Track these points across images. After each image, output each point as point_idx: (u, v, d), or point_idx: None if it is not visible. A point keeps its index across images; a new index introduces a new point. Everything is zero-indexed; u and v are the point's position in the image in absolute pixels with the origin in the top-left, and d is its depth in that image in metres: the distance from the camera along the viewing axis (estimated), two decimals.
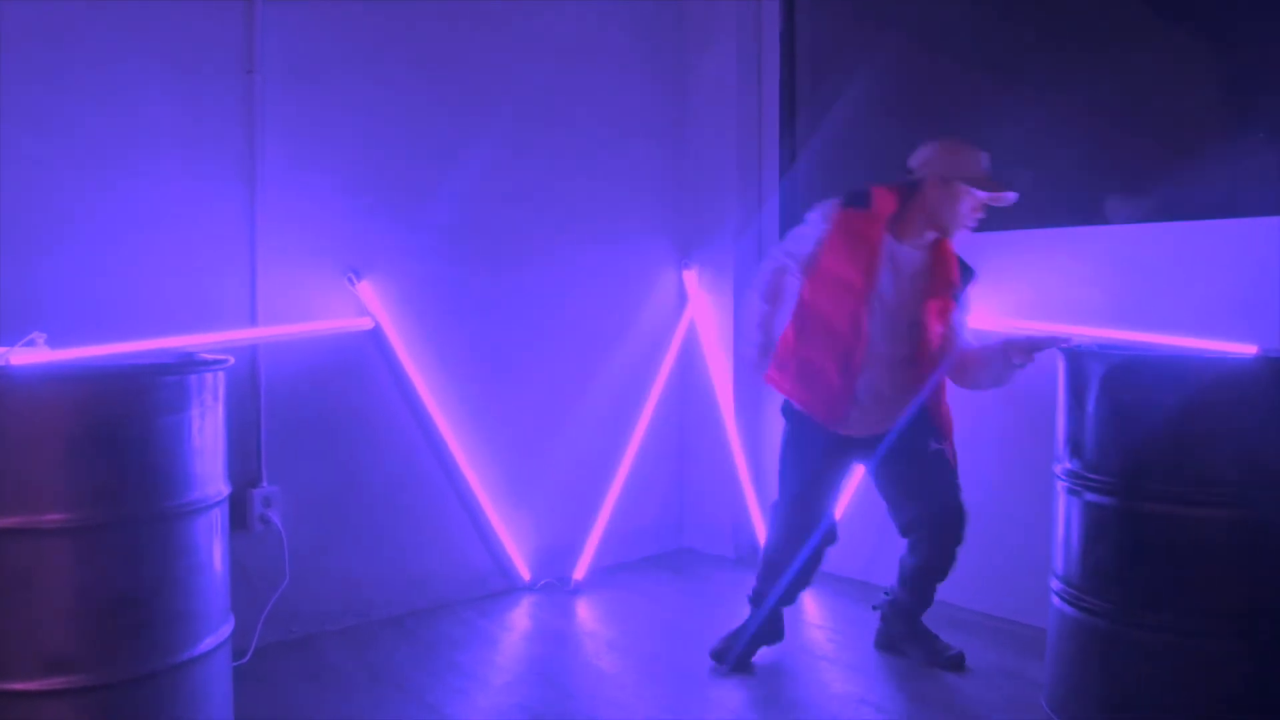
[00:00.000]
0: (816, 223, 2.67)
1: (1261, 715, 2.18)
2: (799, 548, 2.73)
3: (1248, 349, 2.20)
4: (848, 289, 2.59)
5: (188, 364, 2.02)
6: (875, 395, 2.65)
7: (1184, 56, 2.94)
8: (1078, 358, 2.33)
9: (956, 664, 2.74)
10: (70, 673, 1.83)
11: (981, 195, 2.58)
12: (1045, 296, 3.00)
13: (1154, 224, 2.83)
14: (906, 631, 2.85)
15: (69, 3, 2.49)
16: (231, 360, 2.11)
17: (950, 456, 2.73)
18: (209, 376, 2.02)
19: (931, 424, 2.71)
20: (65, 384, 1.86)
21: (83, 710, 1.85)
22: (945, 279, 2.63)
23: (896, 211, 2.62)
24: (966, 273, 2.70)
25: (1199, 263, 2.72)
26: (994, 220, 3.15)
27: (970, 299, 2.75)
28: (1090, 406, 2.27)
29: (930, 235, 2.63)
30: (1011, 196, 2.58)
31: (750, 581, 2.87)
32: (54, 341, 2.18)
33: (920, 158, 2.64)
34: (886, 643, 2.90)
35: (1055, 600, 2.41)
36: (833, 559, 3.52)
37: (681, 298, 3.90)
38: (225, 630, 2.10)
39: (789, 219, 3.84)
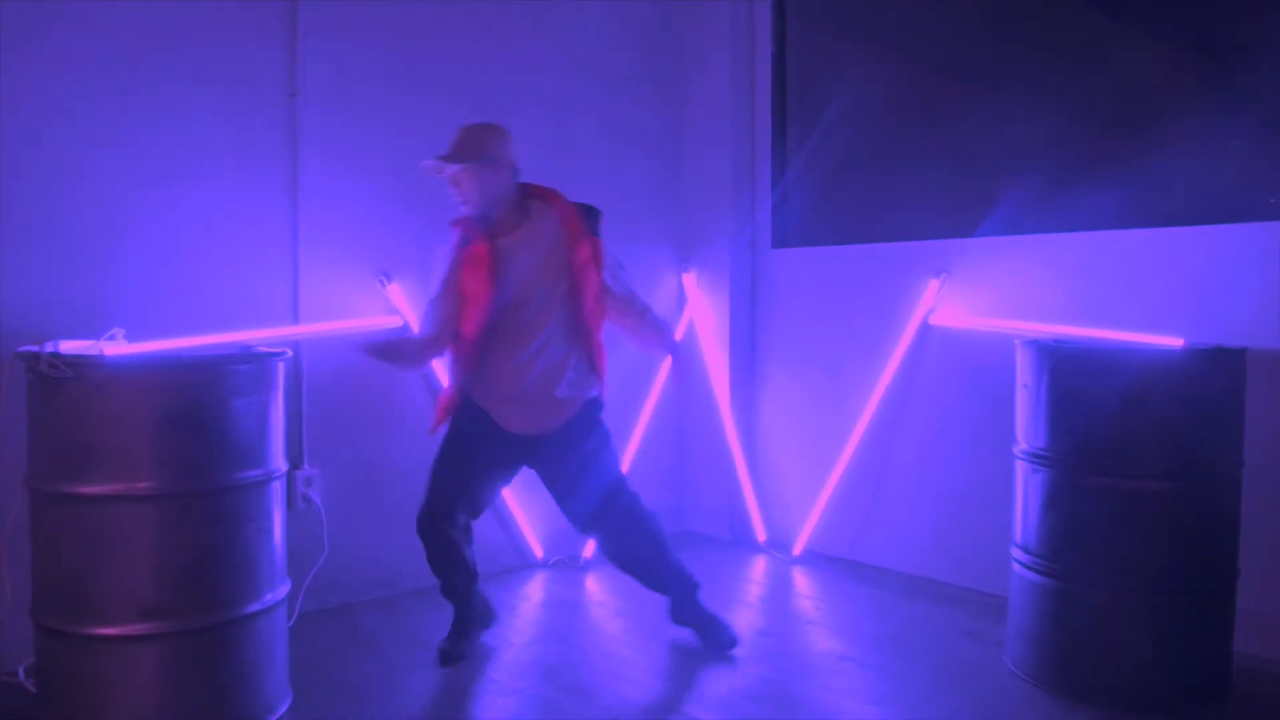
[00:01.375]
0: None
1: (1193, 668, 2.48)
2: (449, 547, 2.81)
3: (1175, 341, 2.50)
4: (474, 302, 2.65)
5: (256, 355, 2.30)
6: (528, 394, 2.72)
7: (1143, 75, 3.22)
8: (1033, 350, 2.62)
9: (729, 644, 2.81)
10: (159, 619, 2.10)
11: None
12: (1011, 297, 3.28)
13: (1110, 231, 3.08)
14: (688, 617, 2.89)
15: (133, 35, 2.77)
16: (290, 353, 2.41)
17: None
18: (272, 366, 2.31)
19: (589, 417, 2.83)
20: (153, 371, 2.14)
21: (170, 651, 2.13)
22: (566, 257, 2.73)
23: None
24: (589, 223, 2.79)
25: (1146, 266, 2.98)
26: (967, 227, 3.45)
27: (606, 255, 2.82)
28: (1044, 393, 2.56)
29: (516, 222, 2.74)
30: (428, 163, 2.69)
31: (741, 559, 3.11)
32: (128, 336, 2.47)
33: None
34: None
35: (1015, 566, 2.69)
36: (822, 538, 3.84)
37: (681, 299, 4.16)
38: (284, 589, 2.38)
39: (780, 225, 4.10)
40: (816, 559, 3.80)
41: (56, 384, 2.08)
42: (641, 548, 2.83)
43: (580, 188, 3.84)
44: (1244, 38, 2.96)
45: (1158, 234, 2.98)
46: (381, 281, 3.27)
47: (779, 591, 3.47)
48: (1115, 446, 2.45)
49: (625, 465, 3.86)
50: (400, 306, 3.29)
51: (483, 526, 3.55)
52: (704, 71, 4.14)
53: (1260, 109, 2.89)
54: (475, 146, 2.69)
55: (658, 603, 3.26)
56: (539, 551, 3.69)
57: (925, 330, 3.52)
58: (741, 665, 2.76)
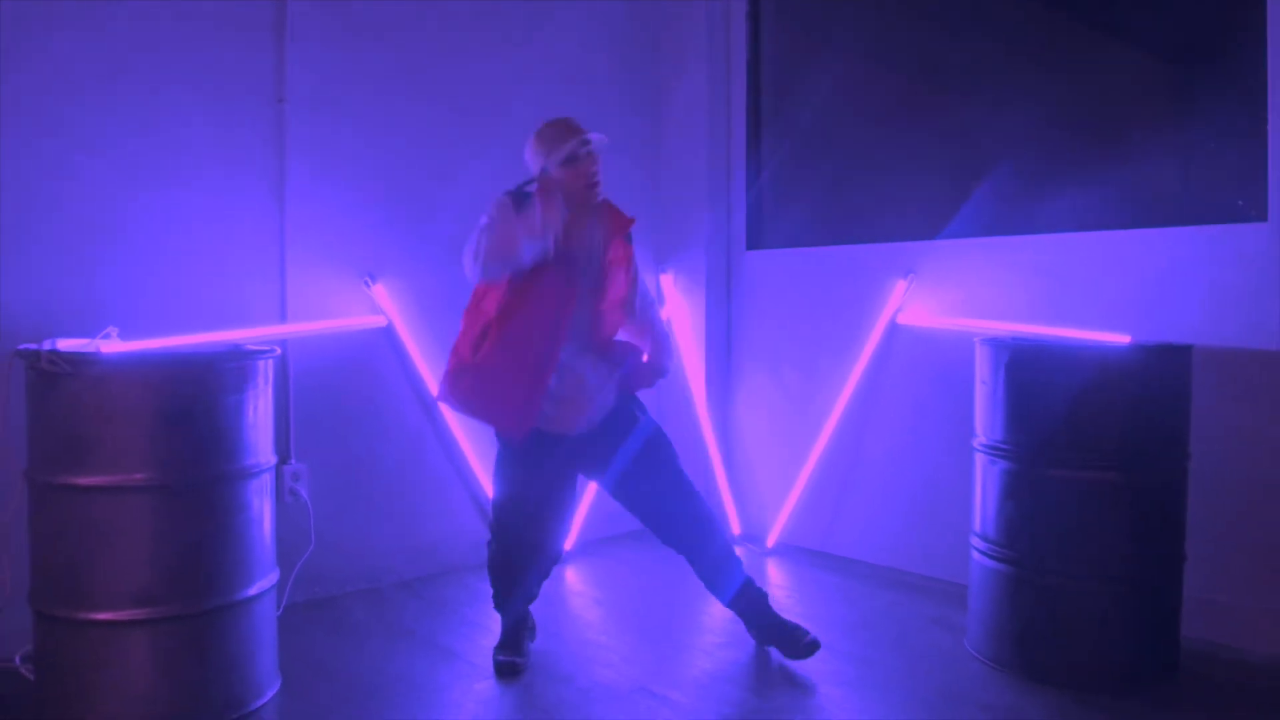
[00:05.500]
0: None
1: (1143, 650, 2.59)
2: (519, 563, 2.72)
3: (1123, 338, 2.62)
4: (542, 293, 2.51)
5: (245, 353, 2.39)
6: (575, 389, 2.65)
7: (1105, 81, 3.32)
8: (989, 348, 2.73)
9: (813, 649, 2.70)
10: (152, 605, 2.20)
11: (574, 155, 2.59)
12: (975, 297, 3.39)
13: (1068, 234, 3.18)
14: (762, 629, 2.81)
15: (122, 41, 2.83)
16: (279, 351, 2.50)
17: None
18: (262, 363, 2.40)
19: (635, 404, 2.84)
20: (148, 368, 2.23)
21: (163, 635, 2.23)
22: (618, 257, 2.63)
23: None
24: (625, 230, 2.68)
25: (1099, 268, 3.10)
26: (932, 230, 3.57)
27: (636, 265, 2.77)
28: (1000, 389, 2.68)
29: (588, 222, 2.61)
30: (596, 136, 2.64)
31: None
32: (121, 335, 2.56)
33: (528, 157, 2.68)
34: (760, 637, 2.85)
35: (974, 554, 2.81)
36: (795, 531, 3.95)
37: (659, 299, 4.25)
38: (273, 577, 2.48)
39: (754, 227, 4.21)
40: (789, 550, 3.90)
41: (55, 380, 2.17)
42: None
43: None
44: (1203, 45, 3.05)
45: (1111, 236, 3.09)
46: (367, 282, 3.36)
47: None
48: (1068, 439, 2.56)
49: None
50: (385, 306, 3.39)
51: (468, 519, 3.67)
52: (681, 77, 4.24)
53: (1217, 116, 2.99)
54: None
55: (635, 592, 3.37)
56: None
57: (893, 329, 3.62)
58: (715, 650, 2.87)
